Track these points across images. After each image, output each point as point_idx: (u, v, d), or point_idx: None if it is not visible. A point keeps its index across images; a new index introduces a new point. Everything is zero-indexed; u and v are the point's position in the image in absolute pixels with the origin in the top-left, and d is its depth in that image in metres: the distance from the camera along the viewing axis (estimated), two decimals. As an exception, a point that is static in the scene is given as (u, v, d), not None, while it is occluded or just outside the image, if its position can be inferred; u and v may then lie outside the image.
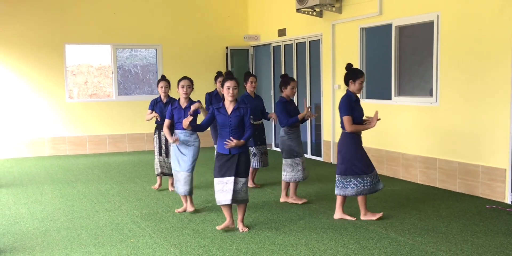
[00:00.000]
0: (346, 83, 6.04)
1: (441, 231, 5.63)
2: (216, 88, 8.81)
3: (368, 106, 9.05)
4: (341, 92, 9.43)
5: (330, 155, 10.41)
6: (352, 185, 5.99)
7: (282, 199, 7.09)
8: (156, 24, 12.64)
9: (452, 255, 4.85)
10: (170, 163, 7.53)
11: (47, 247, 5.27)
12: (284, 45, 11.92)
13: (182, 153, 6.42)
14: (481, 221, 5.98)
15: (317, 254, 4.94)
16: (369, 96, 9.39)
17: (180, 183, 6.45)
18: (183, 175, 6.41)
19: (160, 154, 7.75)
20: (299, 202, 6.94)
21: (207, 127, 5.83)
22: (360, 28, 9.40)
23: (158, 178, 7.94)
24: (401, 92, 8.69)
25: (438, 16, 7.70)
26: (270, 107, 12.13)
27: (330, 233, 5.60)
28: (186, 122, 5.67)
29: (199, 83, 12.94)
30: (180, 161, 6.42)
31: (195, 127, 5.81)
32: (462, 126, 7.42)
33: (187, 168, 6.41)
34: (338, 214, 6.16)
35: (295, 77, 11.52)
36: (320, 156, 10.80)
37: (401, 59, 8.66)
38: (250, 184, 8.00)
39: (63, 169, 9.98)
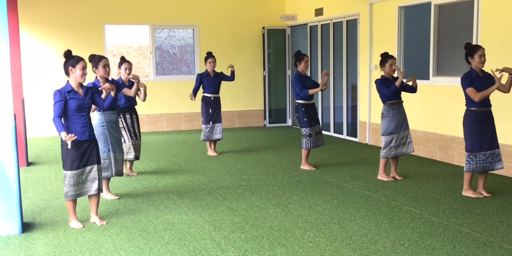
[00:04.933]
0: (468, 61, 6.23)
1: (477, 212, 5.57)
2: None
3: (406, 87, 8.92)
4: (378, 72, 9.33)
5: (366, 136, 10.34)
6: (469, 159, 6.15)
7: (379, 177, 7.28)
8: (193, 4, 12.68)
9: (487, 236, 4.80)
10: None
11: (87, 221, 5.45)
12: (321, 25, 11.81)
13: (115, 136, 6.29)
14: (519, 203, 5.89)
15: (349, 233, 4.96)
16: (407, 76, 9.24)
17: (119, 165, 6.30)
18: (122, 156, 6.38)
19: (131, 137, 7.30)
20: (387, 179, 7.12)
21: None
22: (399, 7, 9.23)
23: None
24: (439, 72, 8.54)
25: (479, -7, 7.50)
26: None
27: (363, 213, 5.61)
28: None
29: (236, 63, 13.00)
30: (117, 143, 6.31)
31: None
32: (502, 107, 7.26)
33: (122, 148, 6.42)
34: (465, 191, 6.31)
35: (331, 57, 11.44)
36: (356, 137, 10.74)
37: (439, 38, 8.49)
38: (306, 166, 7.96)
39: (102, 147, 10.22)
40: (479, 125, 6.11)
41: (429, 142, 8.68)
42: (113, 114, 6.29)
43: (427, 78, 8.66)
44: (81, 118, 5.20)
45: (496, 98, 6.57)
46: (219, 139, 9.20)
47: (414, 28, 9.25)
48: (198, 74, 9.20)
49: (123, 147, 6.80)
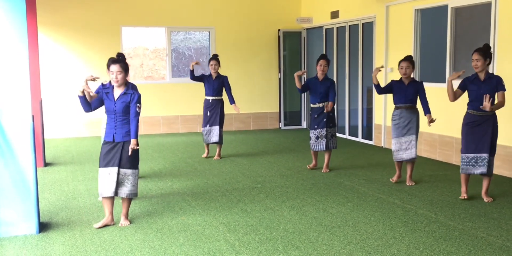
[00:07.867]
0: None
1: (493, 216, 5.52)
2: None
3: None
4: (394, 75, 9.29)
5: (381, 139, 10.30)
6: (461, 160, 6.23)
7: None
8: (209, 7, 12.74)
9: (503, 241, 4.77)
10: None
11: (101, 221, 5.49)
12: (337, 27, 11.80)
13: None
14: (536, 208, 5.83)
15: (364, 236, 4.95)
16: (422, 79, 9.19)
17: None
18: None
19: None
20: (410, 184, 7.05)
21: (92, 108, 5.38)
22: (415, 10, 9.20)
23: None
24: (456, 75, 8.48)
25: (497, -4, 7.45)
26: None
27: (378, 216, 5.59)
28: None
29: (251, 66, 13.05)
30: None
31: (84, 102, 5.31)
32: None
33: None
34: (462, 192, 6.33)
35: (347, 60, 11.42)
36: (371, 140, 10.71)
37: (456, 41, 8.44)
38: (324, 168, 7.94)
39: (118, 148, 10.29)
40: (468, 127, 6.14)
41: (445, 146, 8.62)
42: None
43: (444, 81, 8.62)
44: (109, 119, 5.34)
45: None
46: (216, 143, 8.97)
47: (430, 31, 9.20)
48: (203, 73, 9.34)
49: None
